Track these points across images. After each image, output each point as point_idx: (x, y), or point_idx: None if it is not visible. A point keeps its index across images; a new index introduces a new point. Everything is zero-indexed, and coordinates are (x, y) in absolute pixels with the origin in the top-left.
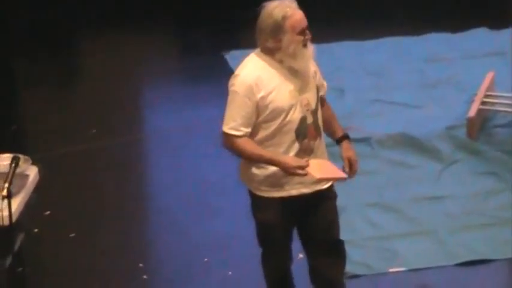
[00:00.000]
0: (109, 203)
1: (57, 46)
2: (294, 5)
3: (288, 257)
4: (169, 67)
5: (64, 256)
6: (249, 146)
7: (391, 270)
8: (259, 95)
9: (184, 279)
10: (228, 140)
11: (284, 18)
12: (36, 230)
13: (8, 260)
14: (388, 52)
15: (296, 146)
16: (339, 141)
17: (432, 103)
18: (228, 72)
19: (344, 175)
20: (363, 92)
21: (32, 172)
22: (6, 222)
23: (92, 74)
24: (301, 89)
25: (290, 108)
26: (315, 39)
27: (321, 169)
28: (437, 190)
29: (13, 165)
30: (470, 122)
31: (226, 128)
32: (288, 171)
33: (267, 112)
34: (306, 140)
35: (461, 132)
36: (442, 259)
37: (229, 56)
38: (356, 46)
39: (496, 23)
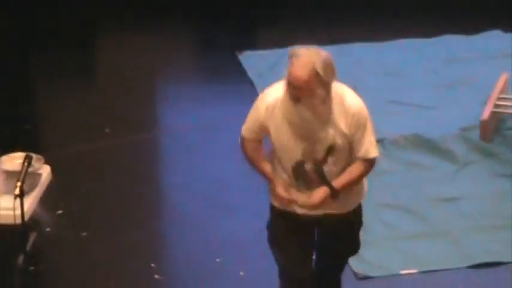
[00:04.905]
0: (121, 201)
1: (72, 44)
2: (313, 61)
3: (300, 269)
4: (184, 65)
5: (76, 255)
6: (253, 152)
7: (404, 272)
8: (266, 119)
9: (196, 280)
10: (241, 141)
11: (291, 57)
12: (48, 229)
13: (21, 259)
14: (405, 53)
15: (293, 181)
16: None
17: (447, 104)
18: (241, 72)
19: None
20: (379, 92)
21: (45, 171)
22: (19, 221)
23: (106, 71)
24: (300, 136)
25: (288, 145)
26: (334, 39)
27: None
28: (451, 191)
29: (26, 164)
30: (484, 124)
31: (242, 128)
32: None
33: (271, 131)
34: (303, 182)
35: (476, 134)
36: (457, 261)
37: (243, 56)
38: (374, 47)
39: (511, 25)
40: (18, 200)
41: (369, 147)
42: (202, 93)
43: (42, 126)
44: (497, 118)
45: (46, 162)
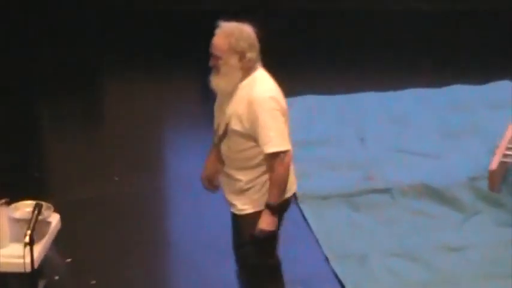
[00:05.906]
0: (130, 250)
1: (81, 91)
2: (231, 32)
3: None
4: (193, 112)
5: None
6: None
7: None
8: None
9: None
10: None
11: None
12: (57, 278)
13: None
14: (413, 102)
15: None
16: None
17: (454, 153)
18: None
19: None
20: (386, 141)
21: (54, 219)
22: (28, 269)
23: (114, 118)
24: (220, 107)
25: (215, 114)
26: (343, 88)
27: None
28: (458, 240)
29: (35, 212)
30: (492, 174)
31: None
32: None
33: None
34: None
35: (484, 184)
36: None
37: None
38: (381, 96)
39: None
40: (27, 248)
41: (268, 141)
42: (210, 140)
43: (50, 173)
44: (505, 168)
45: (55, 210)
